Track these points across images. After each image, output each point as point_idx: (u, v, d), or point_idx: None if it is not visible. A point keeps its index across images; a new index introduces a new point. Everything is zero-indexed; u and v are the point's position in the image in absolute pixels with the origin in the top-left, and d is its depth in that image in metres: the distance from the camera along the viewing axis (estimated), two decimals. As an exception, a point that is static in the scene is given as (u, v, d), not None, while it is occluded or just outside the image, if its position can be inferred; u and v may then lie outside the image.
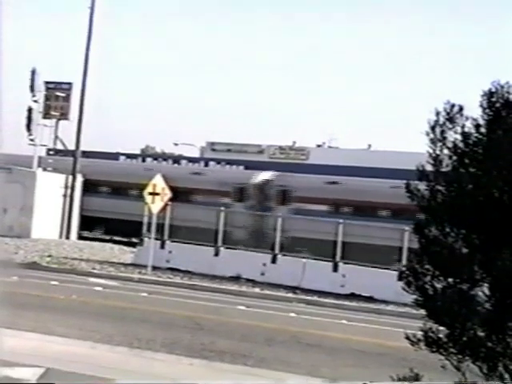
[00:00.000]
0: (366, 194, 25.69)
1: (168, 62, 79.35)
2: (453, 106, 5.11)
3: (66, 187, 28.99)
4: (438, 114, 5.12)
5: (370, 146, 43.34)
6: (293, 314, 15.18)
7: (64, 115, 31.23)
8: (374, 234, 20.18)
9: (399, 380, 5.06)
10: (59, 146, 34.03)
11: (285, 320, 14.35)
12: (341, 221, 20.36)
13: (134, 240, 24.70)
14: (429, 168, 5.11)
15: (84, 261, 21.54)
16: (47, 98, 30.41)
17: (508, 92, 4.98)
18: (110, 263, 21.44)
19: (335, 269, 19.51)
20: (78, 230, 29.28)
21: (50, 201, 27.98)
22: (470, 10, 62.89)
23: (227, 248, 21.14)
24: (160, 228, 21.30)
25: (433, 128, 5.11)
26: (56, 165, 29.76)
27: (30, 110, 29.24)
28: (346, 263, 19.51)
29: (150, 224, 21.25)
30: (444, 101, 5.14)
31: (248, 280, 19.61)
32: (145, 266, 20.16)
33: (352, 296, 18.26)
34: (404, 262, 15.45)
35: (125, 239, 28.04)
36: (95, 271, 19.78)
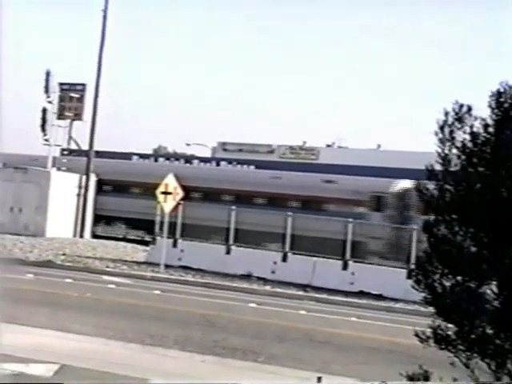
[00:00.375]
0: None
1: (180, 63, 79.62)
2: (461, 106, 5.17)
3: (80, 187, 29.24)
4: (446, 114, 5.17)
5: (379, 145, 43.35)
6: (303, 312, 15.26)
7: (78, 116, 31.50)
8: None
9: (409, 377, 5.12)
10: (73, 147, 34.31)
11: (295, 317, 14.43)
12: (350, 220, 20.53)
13: (147, 239, 24.89)
14: (438, 167, 5.17)
15: (98, 259, 21.73)
16: (61, 99, 30.69)
17: (516, 92, 5.03)
18: (124, 261, 21.60)
19: (345, 267, 19.58)
20: (91, 228, 29.51)
21: (64, 200, 28.23)
22: (481, 8, 62.58)
23: (238, 246, 21.25)
24: (172, 226, 21.45)
25: (442, 128, 5.17)
26: (70, 165, 30.02)
27: (44, 111, 29.54)
28: (355, 261, 19.59)
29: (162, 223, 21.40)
30: (453, 101, 5.20)
31: (259, 278, 19.71)
32: (157, 265, 20.30)
33: (361, 294, 18.33)
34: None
35: (138, 238, 28.23)
36: (109, 269, 19.95)
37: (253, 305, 15.61)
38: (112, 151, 34.38)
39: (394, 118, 73.06)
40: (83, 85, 31.45)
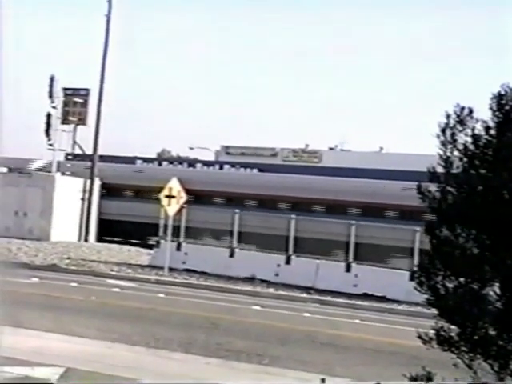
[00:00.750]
0: None
1: (183, 67, 79.76)
2: (463, 108, 5.20)
3: (84, 191, 29.33)
4: (448, 116, 5.21)
5: (381, 148, 43.41)
6: (307, 314, 15.29)
7: (82, 121, 31.62)
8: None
9: (412, 378, 5.15)
10: (77, 151, 34.42)
11: (299, 320, 14.46)
12: (353, 222, 20.59)
13: (151, 242, 24.94)
14: (440, 170, 5.20)
15: (102, 263, 21.78)
16: (65, 104, 30.83)
17: (517, 95, 5.06)
18: (128, 265, 21.66)
19: (348, 269, 19.61)
20: (96, 232, 29.58)
21: (69, 204, 28.32)
22: (482, 11, 62.59)
23: (242, 249, 21.30)
24: (176, 230, 21.51)
25: (443, 130, 5.20)
26: (74, 169, 30.12)
27: (48, 116, 29.68)
28: (358, 264, 19.62)
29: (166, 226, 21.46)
30: (454, 103, 5.23)
31: (262, 281, 19.74)
32: (161, 268, 20.35)
33: (365, 296, 18.35)
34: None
35: (142, 241, 28.28)
36: (113, 273, 20.00)
37: (257, 307, 15.65)
38: (116, 155, 34.47)
39: (396, 120, 73.10)
40: (87, 90, 31.57)
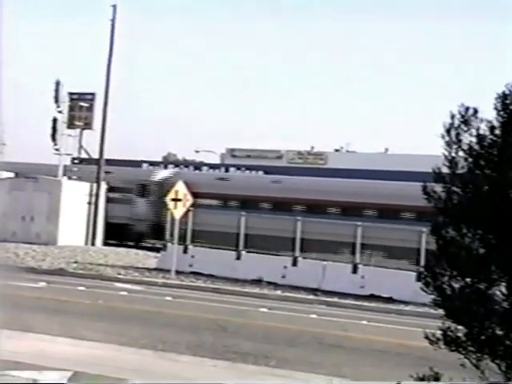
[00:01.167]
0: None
1: (188, 71, 79.92)
2: (467, 108, 5.21)
3: (91, 195, 29.42)
4: (453, 116, 5.21)
5: (387, 149, 43.41)
6: (314, 316, 15.29)
7: (88, 125, 31.74)
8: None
9: (419, 379, 5.15)
10: (83, 155, 34.56)
11: (306, 321, 14.46)
12: (359, 223, 20.59)
13: (158, 245, 24.99)
14: (445, 170, 5.20)
15: (109, 266, 21.84)
16: (71, 109, 30.96)
17: (522, 94, 5.06)
18: (135, 268, 21.71)
19: (355, 270, 19.61)
20: (102, 236, 29.66)
21: (76, 208, 28.41)
22: (486, 11, 62.44)
23: (248, 252, 21.32)
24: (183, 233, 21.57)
25: (448, 131, 5.20)
26: (80, 173, 30.23)
27: (54, 121, 29.80)
28: (365, 265, 19.62)
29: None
30: (459, 104, 5.24)
31: (269, 283, 19.76)
32: (168, 271, 20.39)
33: (371, 297, 18.34)
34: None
35: (148, 244, 28.35)
36: (120, 276, 20.05)
37: (264, 309, 15.66)
38: (122, 159, 34.56)
39: (401, 121, 72.98)
40: (92, 94, 31.69)
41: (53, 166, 30.07)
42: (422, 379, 5.04)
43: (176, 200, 21.07)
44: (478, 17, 61.84)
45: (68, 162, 32.30)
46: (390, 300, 18.09)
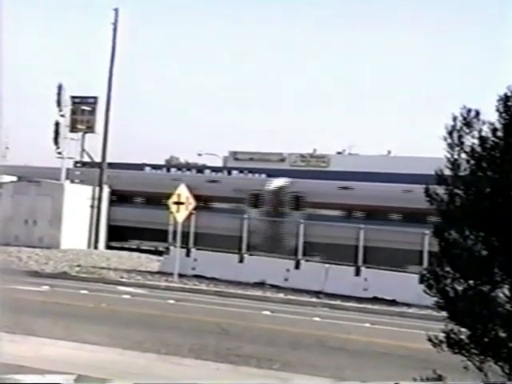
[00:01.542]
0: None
1: (190, 74, 79.97)
2: (469, 111, 5.21)
3: (93, 198, 29.45)
4: (455, 119, 5.22)
5: (389, 152, 43.41)
6: (317, 319, 15.27)
7: (90, 128, 31.77)
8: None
9: (423, 381, 5.14)
10: (86, 159, 34.60)
11: (309, 324, 14.44)
12: (362, 226, 20.57)
13: (161, 249, 24.98)
14: (447, 172, 5.20)
15: (112, 270, 21.84)
16: (73, 112, 30.98)
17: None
18: (138, 272, 21.71)
19: (357, 273, 19.59)
20: (105, 239, 29.68)
21: (78, 212, 28.44)
22: (490, 11, 62.41)
23: (251, 255, 21.32)
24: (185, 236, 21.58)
25: (450, 133, 5.21)
26: (83, 177, 30.26)
27: (57, 125, 29.84)
28: (368, 267, 19.60)
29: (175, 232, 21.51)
30: (461, 106, 5.24)
31: (272, 286, 19.74)
32: (171, 274, 20.39)
33: (375, 299, 18.33)
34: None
35: (151, 248, 28.34)
36: (123, 280, 20.05)
37: (267, 312, 15.65)
38: (125, 162, 34.61)
39: (403, 124, 72.92)
40: (95, 98, 31.73)
41: (55, 169, 30.10)
42: (425, 381, 5.04)
43: (178, 203, 21.09)
44: (479, 20, 61.81)
45: (70, 165, 32.35)
46: (393, 302, 18.07)
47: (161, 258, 23.27)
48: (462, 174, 5.14)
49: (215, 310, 15.47)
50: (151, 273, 21.67)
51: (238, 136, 73.60)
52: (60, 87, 29.73)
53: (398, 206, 25.51)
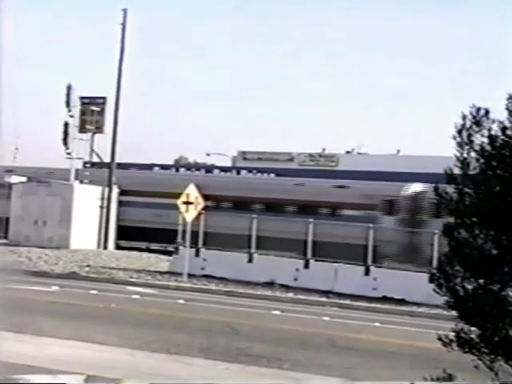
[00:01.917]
0: None
1: (199, 74, 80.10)
2: (479, 109, 5.18)
3: (103, 199, 29.54)
4: (464, 117, 5.19)
5: (398, 151, 43.29)
6: (326, 318, 15.26)
7: (99, 129, 31.88)
8: None
9: (433, 380, 5.12)
10: (95, 159, 34.74)
11: (319, 324, 14.43)
12: (371, 225, 20.57)
13: (170, 249, 25.03)
14: (457, 171, 5.18)
15: (121, 270, 21.91)
16: (83, 113, 31.11)
17: (533, 94, 5.03)
18: (147, 272, 21.76)
19: (367, 272, 19.56)
20: (114, 239, 29.77)
21: (88, 212, 28.55)
22: (498, 10, 62.12)
23: (260, 254, 21.32)
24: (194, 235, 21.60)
25: (460, 132, 5.18)
26: (92, 177, 30.36)
27: (66, 125, 29.98)
28: (377, 267, 19.57)
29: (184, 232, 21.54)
30: (470, 104, 5.21)
31: (281, 285, 19.74)
32: (180, 274, 20.42)
33: (384, 299, 18.29)
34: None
35: (161, 248, 28.40)
36: (133, 280, 20.11)
37: (276, 312, 15.64)
38: (134, 163, 34.72)
39: (412, 123, 72.72)
40: (104, 98, 31.84)
41: (65, 170, 30.23)
42: (435, 381, 5.02)
43: (187, 203, 21.12)
44: (489, 16, 61.49)
45: (80, 166, 32.47)
46: (402, 302, 18.03)
47: (170, 258, 23.32)
48: (471, 172, 5.11)
49: (225, 310, 15.48)
50: (161, 273, 21.72)
51: (247, 136, 73.67)
52: (69, 88, 29.86)
53: None
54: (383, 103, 72.49)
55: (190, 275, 20.41)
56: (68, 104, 29.94)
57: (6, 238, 28.65)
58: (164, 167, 38.46)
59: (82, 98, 31.08)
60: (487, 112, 5.17)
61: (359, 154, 44.48)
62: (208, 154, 49.41)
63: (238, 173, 36.56)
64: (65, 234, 27.66)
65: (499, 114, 5.08)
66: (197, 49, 78.12)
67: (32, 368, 8.27)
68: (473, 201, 5.13)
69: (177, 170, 38.77)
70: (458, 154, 5.17)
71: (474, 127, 5.16)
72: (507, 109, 5.09)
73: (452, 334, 4.99)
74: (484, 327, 4.95)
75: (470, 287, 5.07)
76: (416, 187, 25.93)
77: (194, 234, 21.57)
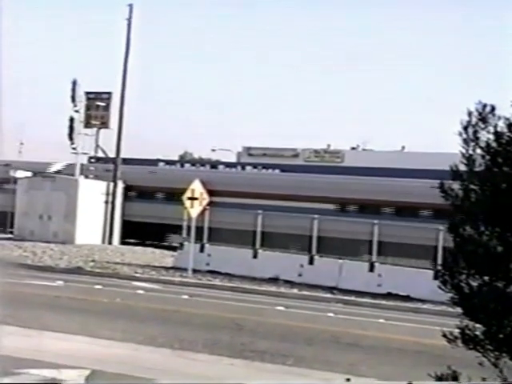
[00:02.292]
0: None
1: (204, 71, 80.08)
2: (485, 106, 5.16)
3: (108, 194, 29.59)
4: (470, 114, 5.17)
5: (403, 147, 43.17)
6: (331, 314, 15.26)
7: (104, 124, 31.91)
8: None
9: (437, 377, 5.12)
10: (100, 154, 34.79)
11: (323, 320, 14.44)
12: (376, 221, 20.56)
13: (175, 244, 25.06)
14: (462, 168, 5.16)
15: (126, 265, 21.96)
16: (88, 108, 31.13)
17: (540, 90, 5.01)
18: (152, 267, 21.80)
19: (371, 269, 19.55)
20: (119, 235, 29.83)
21: (93, 207, 28.62)
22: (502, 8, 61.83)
23: (265, 250, 21.33)
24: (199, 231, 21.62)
25: (465, 128, 5.16)
26: (97, 172, 30.42)
27: (71, 120, 30.03)
28: (382, 263, 19.57)
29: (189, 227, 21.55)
30: (476, 101, 5.20)
31: (286, 281, 19.75)
32: (185, 269, 20.45)
33: (389, 295, 18.29)
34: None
35: (165, 243, 28.44)
36: (137, 275, 20.15)
37: (281, 308, 15.65)
38: (139, 158, 34.75)
39: (417, 119, 72.61)
40: (109, 93, 31.86)
41: (70, 164, 30.30)
42: (440, 378, 5.01)
43: (192, 199, 21.14)
44: (495, 12, 61.26)
45: (85, 160, 32.51)
46: (407, 298, 18.02)
47: (175, 253, 23.35)
48: (477, 169, 5.09)
49: (229, 306, 15.50)
50: (165, 268, 21.75)
51: (252, 131, 73.67)
52: (74, 83, 29.90)
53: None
54: (389, 99, 72.37)
55: (195, 271, 20.44)
56: (73, 99, 29.98)
57: (11, 232, 28.77)
58: (169, 163, 38.49)
59: (88, 93, 31.11)
60: (493, 109, 5.15)
61: (364, 150, 44.39)
62: (213, 150, 49.46)
63: (243, 169, 36.56)
64: (70, 228, 27.74)
65: (505, 110, 5.06)
66: (203, 45, 78.10)
67: (38, 362, 8.31)
68: (478, 198, 5.12)
69: (182, 166, 38.78)
70: (464, 151, 5.15)
71: (480, 124, 5.14)
72: (513, 105, 5.07)
73: (457, 331, 4.98)
74: (489, 324, 4.94)
75: (474, 284, 5.06)
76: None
77: (200, 230, 21.59)
